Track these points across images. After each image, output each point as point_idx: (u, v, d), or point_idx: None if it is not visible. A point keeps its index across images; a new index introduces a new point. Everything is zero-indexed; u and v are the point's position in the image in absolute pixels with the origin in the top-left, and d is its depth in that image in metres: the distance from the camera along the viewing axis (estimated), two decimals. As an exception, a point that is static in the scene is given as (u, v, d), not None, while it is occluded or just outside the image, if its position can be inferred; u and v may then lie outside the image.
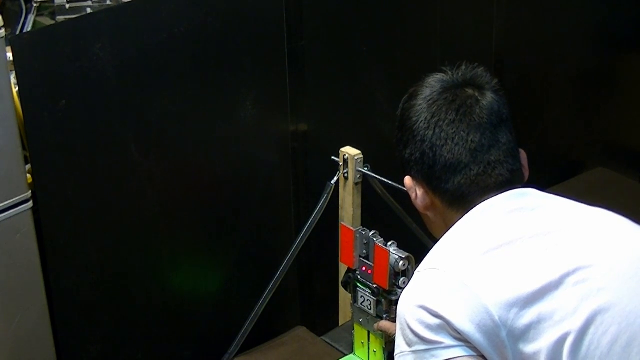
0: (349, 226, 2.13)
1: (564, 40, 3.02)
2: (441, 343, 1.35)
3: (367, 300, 2.09)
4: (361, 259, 2.09)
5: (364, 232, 2.08)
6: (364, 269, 2.09)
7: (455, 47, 2.67)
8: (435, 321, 1.35)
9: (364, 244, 2.08)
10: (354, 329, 2.20)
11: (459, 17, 2.69)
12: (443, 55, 2.63)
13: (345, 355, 2.26)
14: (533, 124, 3.05)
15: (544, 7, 2.92)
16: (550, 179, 3.04)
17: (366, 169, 2.31)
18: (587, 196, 1.51)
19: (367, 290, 2.09)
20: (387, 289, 2.03)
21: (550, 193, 1.52)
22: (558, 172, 3.14)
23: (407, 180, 1.53)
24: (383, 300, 2.06)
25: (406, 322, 1.38)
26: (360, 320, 2.15)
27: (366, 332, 2.15)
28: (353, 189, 2.33)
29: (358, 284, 2.12)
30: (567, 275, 1.34)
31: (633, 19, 3.16)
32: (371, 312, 2.10)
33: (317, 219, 2.34)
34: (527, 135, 3.01)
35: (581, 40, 3.08)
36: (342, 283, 2.18)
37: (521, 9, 2.85)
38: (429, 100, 1.49)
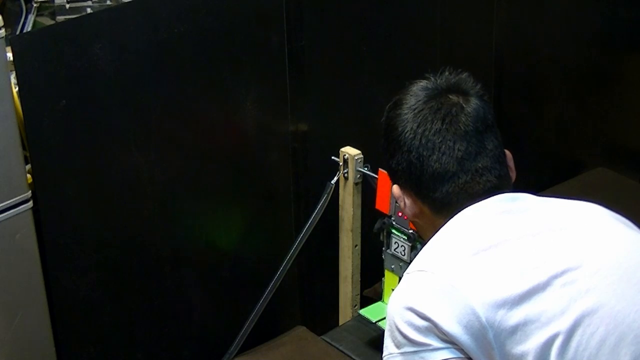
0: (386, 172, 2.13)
1: (564, 40, 3.02)
2: (429, 345, 1.35)
3: (402, 246, 2.08)
4: (397, 204, 2.08)
5: None
6: (400, 214, 2.07)
7: (455, 47, 2.67)
8: (423, 323, 1.35)
9: None
10: (384, 276, 2.19)
11: (459, 17, 2.69)
12: (443, 55, 2.63)
13: (345, 353, 2.27)
14: (533, 124, 3.05)
15: (544, 7, 2.92)
16: (550, 179, 3.04)
17: (366, 169, 2.31)
18: (587, 196, 1.51)
19: (403, 236, 2.08)
20: None
21: (550, 193, 1.52)
22: (558, 172, 3.14)
23: (395, 189, 1.53)
24: (419, 245, 2.05)
25: (395, 324, 1.38)
26: (393, 267, 2.14)
27: (397, 279, 2.14)
28: (353, 189, 2.33)
29: (393, 230, 2.10)
30: (555, 277, 1.34)
31: (633, 19, 3.16)
32: (405, 257, 2.08)
33: (317, 219, 2.34)
34: (527, 135, 3.02)
35: (581, 41, 3.08)
36: (375, 229, 2.16)
37: (521, 9, 2.85)
38: (414, 109, 1.48)
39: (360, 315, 2.38)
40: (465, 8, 2.71)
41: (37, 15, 2.25)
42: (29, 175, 1.94)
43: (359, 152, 2.31)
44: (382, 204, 2.15)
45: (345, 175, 2.32)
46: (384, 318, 2.05)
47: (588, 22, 3.08)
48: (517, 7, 2.83)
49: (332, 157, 2.34)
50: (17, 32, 2.18)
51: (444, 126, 1.46)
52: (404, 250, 2.08)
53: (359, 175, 2.31)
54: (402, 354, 1.37)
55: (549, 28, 2.96)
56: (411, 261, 2.02)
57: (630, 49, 3.21)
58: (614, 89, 3.23)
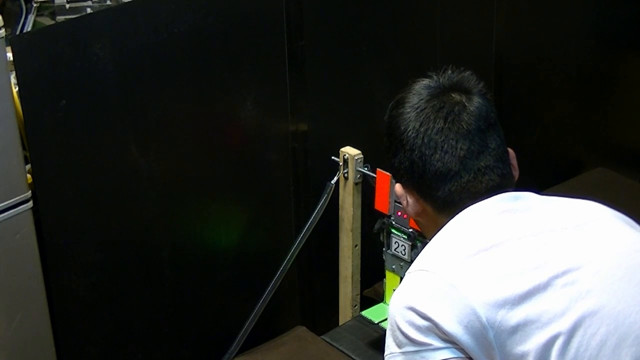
0: (384, 172, 2.12)
1: (564, 40, 3.02)
2: (430, 345, 1.35)
3: (402, 245, 2.09)
4: (396, 204, 2.07)
5: None
6: (399, 213, 2.07)
7: (455, 47, 2.67)
8: (423, 323, 1.35)
9: None
10: (385, 277, 2.19)
11: (459, 17, 2.69)
12: (443, 55, 2.63)
13: (345, 353, 2.27)
14: (533, 124, 3.05)
15: (543, 7, 2.92)
16: (550, 179, 3.04)
17: (366, 169, 2.31)
18: (587, 196, 1.51)
19: (403, 235, 2.08)
20: None
21: (550, 193, 1.52)
22: (558, 172, 3.14)
23: (398, 187, 1.53)
24: (419, 244, 2.05)
25: (396, 323, 1.39)
26: (394, 267, 2.14)
27: (398, 279, 2.14)
28: (353, 189, 2.33)
29: (392, 230, 2.10)
30: (555, 277, 1.34)
31: (633, 19, 3.16)
32: (405, 257, 2.08)
33: (317, 219, 2.34)
34: (527, 135, 3.02)
35: (581, 40, 3.08)
36: (375, 230, 2.16)
37: (521, 9, 2.85)
38: (417, 108, 1.48)
39: (360, 315, 2.38)
40: (465, 8, 2.71)
41: (37, 15, 2.25)
42: (29, 175, 1.94)
43: (359, 152, 2.31)
44: (381, 204, 2.15)
45: (345, 175, 2.32)
46: (386, 319, 2.05)
47: (588, 22, 3.08)
48: (517, 7, 2.83)
49: (332, 157, 2.34)
50: (17, 32, 2.18)
51: (446, 125, 1.46)
52: (404, 250, 2.08)
53: (359, 175, 2.31)
54: (403, 353, 1.38)
55: (549, 28, 2.96)
56: (412, 260, 2.03)
57: (631, 49, 3.21)
58: (614, 89, 3.22)
